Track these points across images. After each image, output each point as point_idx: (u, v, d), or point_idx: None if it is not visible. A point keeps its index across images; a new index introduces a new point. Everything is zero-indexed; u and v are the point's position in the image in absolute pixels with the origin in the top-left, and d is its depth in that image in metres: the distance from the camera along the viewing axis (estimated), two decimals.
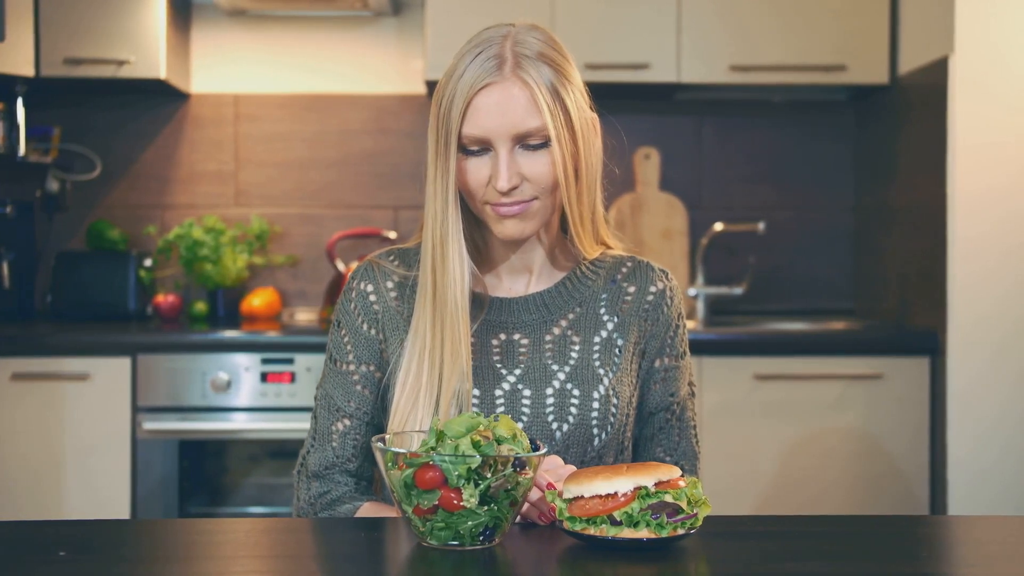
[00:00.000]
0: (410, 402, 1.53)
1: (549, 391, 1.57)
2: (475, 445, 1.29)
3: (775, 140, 3.85)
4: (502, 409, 1.56)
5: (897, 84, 3.48)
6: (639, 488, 1.29)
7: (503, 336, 1.60)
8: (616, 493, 1.29)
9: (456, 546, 1.30)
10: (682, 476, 1.33)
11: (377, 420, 1.63)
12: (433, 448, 1.31)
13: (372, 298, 1.62)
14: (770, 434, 3.20)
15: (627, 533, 1.28)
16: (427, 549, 1.30)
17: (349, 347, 1.62)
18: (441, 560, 1.27)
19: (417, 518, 1.29)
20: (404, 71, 3.79)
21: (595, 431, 1.57)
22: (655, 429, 1.65)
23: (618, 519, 1.28)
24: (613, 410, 1.58)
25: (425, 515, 1.29)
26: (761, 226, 3.61)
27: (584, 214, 1.57)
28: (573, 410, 1.56)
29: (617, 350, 1.61)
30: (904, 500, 3.20)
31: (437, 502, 1.27)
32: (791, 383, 3.21)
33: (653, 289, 1.65)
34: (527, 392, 1.57)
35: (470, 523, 1.28)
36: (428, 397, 1.53)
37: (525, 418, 1.56)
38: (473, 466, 1.26)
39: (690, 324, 3.53)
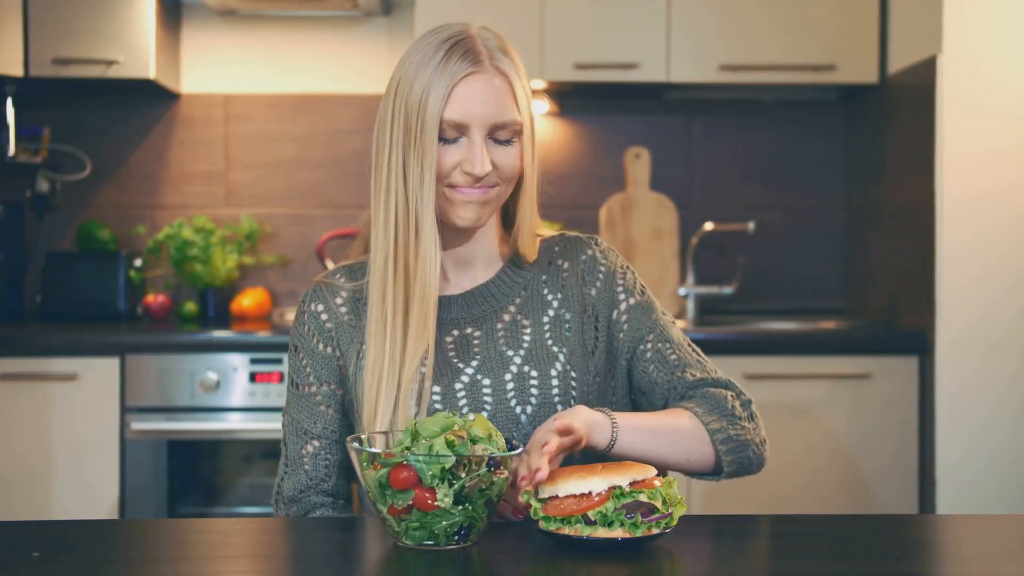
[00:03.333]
0: (373, 386, 1.54)
1: (508, 376, 1.59)
2: (449, 445, 1.29)
3: (765, 140, 3.85)
4: (464, 401, 1.57)
5: (886, 84, 3.48)
6: (613, 487, 1.29)
7: (456, 332, 1.62)
8: (590, 493, 1.28)
9: (431, 546, 1.30)
10: (657, 475, 1.33)
11: (345, 438, 1.64)
12: (408, 448, 1.31)
13: (324, 317, 1.64)
14: None
15: (601, 533, 1.28)
16: (403, 549, 1.30)
17: (308, 369, 1.64)
18: (416, 560, 1.27)
19: (392, 518, 1.29)
20: None
21: (559, 407, 1.58)
22: (644, 363, 1.63)
23: (592, 518, 1.28)
24: (573, 383, 1.59)
25: (400, 515, 1.29)
26: (751, 226, 3.61)
27: (533, 207, 1.62)
28: (534, 391, 1.58)
29: (567, 325, 1.63)
30: (893, 500, 3.20)
31: (411, 502, 1.27)
32: (780, 382, 3.21)
33: (584, 257, 1.68)
34: (486, 381, 1.58)
35: (444, 523, 1.28)
36: (391, 377, 1.53)
37: (488, 407, 1.57)
38: (447, 466, 1.27)
39: (680, 323, 3.53)
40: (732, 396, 1.59)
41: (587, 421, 1.45)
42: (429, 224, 1.53)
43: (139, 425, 3.12)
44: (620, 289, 1.66)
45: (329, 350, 1.63)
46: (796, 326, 3.50)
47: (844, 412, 3.21)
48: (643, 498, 1.28)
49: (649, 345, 1.63)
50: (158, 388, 3.14)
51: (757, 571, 1.28)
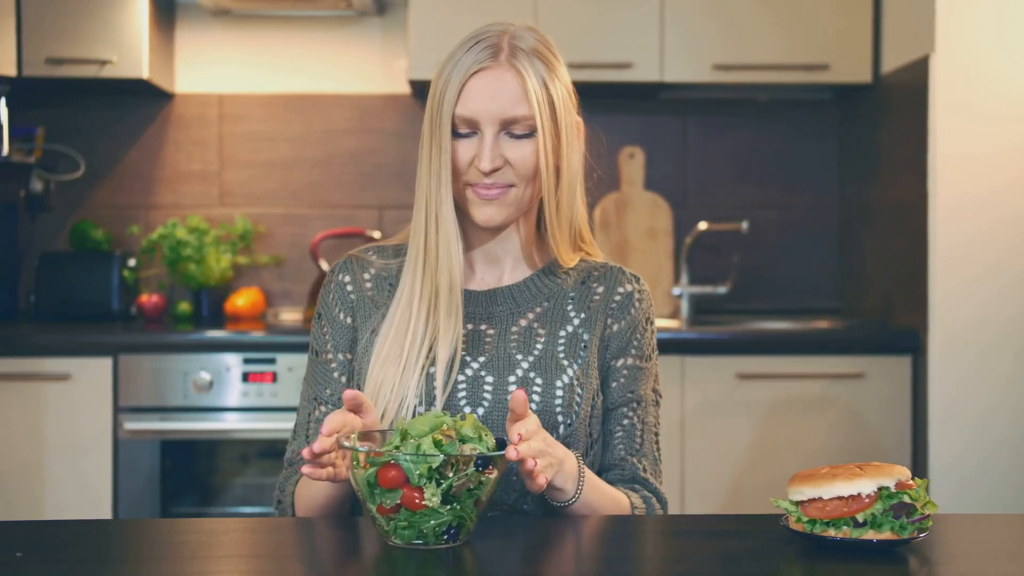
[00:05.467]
0: (386, 365, 1.56)
1: (512, 379, 1.59)
2: (436, 444, 1.29)
3: (759, 139, 3.85)
4: (463, 394, 1.58)
5: (880, 83, 3.48)
6: (881, 488, 1.28)
7: (470, 326, 1.63)
8: (860, 494, 1.28)
9: (420, 545, 1.29)
10: (912, 477, 1.33)
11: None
12: (397, 447, 1.31)
13: (349, 288, 1.67)
14: (752, 433, 3.20)
15: (871, 535, 1.28)
16: (393, 548, 1.30)
17: (327, 337, 1.67)
18: (405, 559, 1.27)
19: (381, 517, 1.29)
20: (388, 71, 3.78)
21: (560, 418, 1.58)
22: (614, 425, 1.66)
23: (861, 520, 1.28)
24: (577, 399, 1.60)
25: (388, 514, 1.29)
26: (745, 225, 3.61)
27: (562, 211, 1.62)
28: (536, 397, 1.58)
29: (583, 344, 1.63)
30: None
31: (399, 501, 1.27)
32: (774, 382, 3.21)
33: (621, 290, 1.68)
34: (489, 379, 1.59)
35: (433, 522, 1.28)
36: (413, 361, 1.56)
37: (486, 403, 1.58)
38: (434, 465, 1.26)
39: (673, 323, 3.53)
40: (661, 515, 1.64)
41: (561, 462, 1.46)
42: (447, 217, 1.57)
43: (132, 425, 3.12)
44: (634, 344, 1.66)
45: (349, 320, 1.66)
46: (790, 326, 3.50)
47: (837, 411, 3.21)
48: (906, 499, 1.29)
49: (630, 414, 1.65)
50: (151, 388, 3.13)
51: (752, 571, 1.28)
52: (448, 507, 1.28)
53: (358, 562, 1.34)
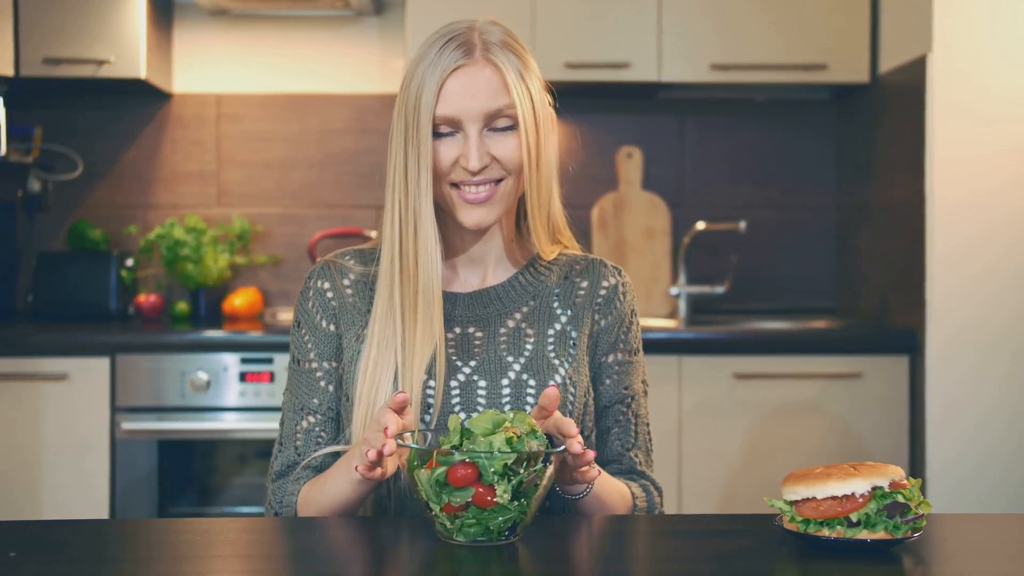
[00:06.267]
0: (375, 375, 1.55)
1: (505, 382, 1.59)
2: (508, 442, 1.30)
3: (757, 139, 3.85)
4: (457, 400, 1.57)
5: (877, 83, 3.48)
6: (875, 488, 1.28)
7: (457, 330, 1.62)
8: (854, 494, 1.28)
9: (484, 542, 1.31)
10: (906, 476, 1.32)
11: (340, 417, 1.64)
12: (456, 446, 1.32)
13: (329, 295, 1.65)
14: (749, 433, 3.20)
15: (864, 535, 1.28)
16: (452, 546, 1.31)
17: (310, 345, 1.64)
18: (468, 556, 1.28)
19: (446, 516, 1.30)
20: (386, 71, 3.78)
21: None
22: (611, 422, 1.67)
23: (855, 520, 1.28)
24: (571, 398, 1.60)
25: (455, 512, 1.29)
26: (743, 225, 3.61)
27: (542, 204, 1.61)
28: (530, 399, 1.58)
29: (572, 342, 1.63)
30: None
31: (470, 499, 1.28)
32: (771, 381, 3.21)
33: (605, 284, 1.67)
34: (482, 383, 1.58)
35: (500, 519, 1.29)
36: (402, 372, 1.55)
37: (481, 408, 1.57)
38: (509, 462, 1.28)
39: (671, 323, 3.53)
40: (659, 502, 1.66)
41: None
42: (426, 221, 1.55)
43: (129, 425, 3.12)
44: (622, 338, 1.66)
45: (332, 328, 1.63)
46: (787, 325, 3.50)
47: (835, 411, 3.21)
48: (900, 499, 1.28)
49: (624, 409, 1.67)
50: (149, 388, 3.13)
51: (747, 570, 1.28)
52: (516, 503, 1.29)
53: (417, 561, 1.34)
